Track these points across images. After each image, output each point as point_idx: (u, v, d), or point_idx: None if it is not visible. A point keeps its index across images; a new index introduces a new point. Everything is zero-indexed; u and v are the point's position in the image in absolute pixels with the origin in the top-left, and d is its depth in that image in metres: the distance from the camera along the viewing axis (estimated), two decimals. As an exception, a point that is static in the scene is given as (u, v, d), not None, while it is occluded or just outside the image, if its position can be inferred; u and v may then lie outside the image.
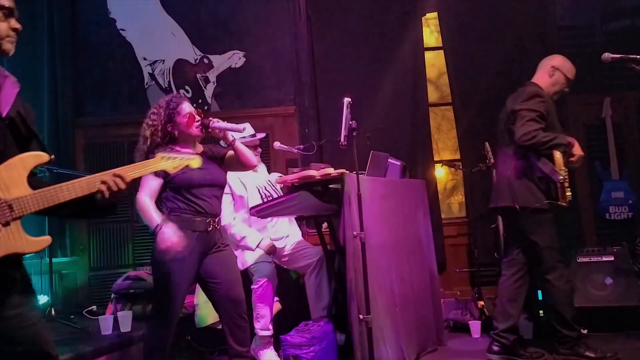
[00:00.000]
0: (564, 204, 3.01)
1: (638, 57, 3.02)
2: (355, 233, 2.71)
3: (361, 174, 2.91)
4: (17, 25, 1.67)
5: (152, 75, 5.00)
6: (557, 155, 3.04)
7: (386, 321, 2.98)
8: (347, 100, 2.78)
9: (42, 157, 1.62)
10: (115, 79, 5.00)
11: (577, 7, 5.18)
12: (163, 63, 5.00)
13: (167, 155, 1.98)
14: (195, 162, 2.13)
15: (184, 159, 2.01)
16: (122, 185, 1.70)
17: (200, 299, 3.67)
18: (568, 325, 3.19)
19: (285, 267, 3.79)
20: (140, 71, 5.01)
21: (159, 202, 2.72)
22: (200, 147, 2.81)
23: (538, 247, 3.19)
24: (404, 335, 3.18)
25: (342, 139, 2.76)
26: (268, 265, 3.53)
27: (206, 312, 3.65)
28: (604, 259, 4.02)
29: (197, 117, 2.72)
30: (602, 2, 5.12)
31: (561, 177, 2.99)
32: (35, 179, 1.66)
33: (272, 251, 3.49)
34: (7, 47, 1.65)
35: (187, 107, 2.75)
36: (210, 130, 2.70)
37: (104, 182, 1.67)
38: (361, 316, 2.69)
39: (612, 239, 4.37)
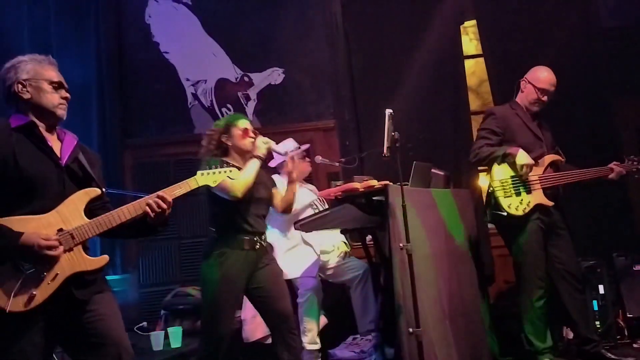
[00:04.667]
0: (504, 213, 3.18)
1: None
2: (401, 245, 2.68)
3: (405, 185, 2.89)
4: (67, 95, 2.03)
5: (195, 95, 5.12)
6: (494, 167, 3.25)
7: (436, 334, 2.92)
8: (388, 111, 2.78)
9: (93, 192, 1.98)
10: (160, 100, 5.16)
11: (623, 7, 5.02)
12: (205, 83, 5.12)
13: (207, 171, 2.17)
14: (234, 173, 2.24)
15: (222, 172, 2.14)
16: (164, 206, 1.97)
17: (247, 313, 3.69)
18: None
19: (330, 280, 3.79)
20: (183, 92, 5.14)
21: (212, 217, 2.78)
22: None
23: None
24: (454, 348, 3.10)
25: (384, 151, 2.75)
26: (313, 279, 3.54)
27: (254, 327, 3.67)
28: (661, 267, 3.86)
29: (252, 133, 2.83)
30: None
31: (491, 189, 3.22)
32: (102, 212, 1.98)
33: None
34: (60, 113, 2.01)
35: (244, 123, 2.87)
36: (257, 147, 2.79)
37: (148, 205, 1.96)
38: (410, 329, 2.64)
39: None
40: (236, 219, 2.72)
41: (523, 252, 3.26)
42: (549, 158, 3.33)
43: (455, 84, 4.93)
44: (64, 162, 1.97)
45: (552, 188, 3.31)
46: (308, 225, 3.17)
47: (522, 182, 3.24)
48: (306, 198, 3.71)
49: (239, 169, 2.68)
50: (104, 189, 2.02)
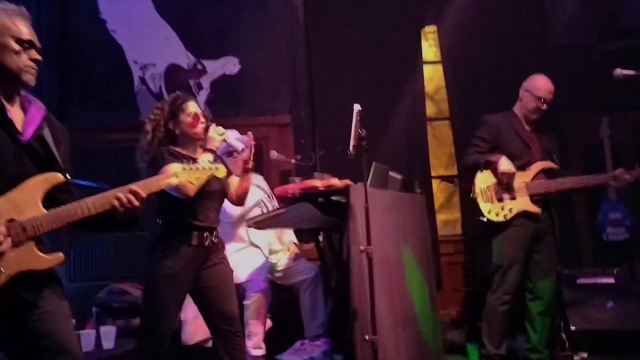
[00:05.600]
0: (484, 219, 3.27)
1: None
2: (362, 248, 2.57)
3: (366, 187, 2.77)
4: (38, 57, 1.75)
5: (142, 80, 4.82)
6: (477, 174, 3.32)
7: (390, 342, 2.83)
8: (357, 107, 2.65)
9: (54, 178, 1.71)
10: (104, 81, 4.81)
11: (575, 26, 5.17)
12: (155, 67, 4.83)
13: (188, 166, 1.94)
14: (221, 171, 2.05)
15: (207, 169, 1.96)
16: (136, 202, 1.73)
17: (188, 314, 3.47)
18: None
19: (279, 282, 3.64)
20: (130, 75, 4.82)
21: (159, 210, 2.55)
22: (200, 152, 2.63)
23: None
24: (405, 356, 3.03)
25: (350, 148, 2.62)
26: (262, 281, 3.38)
27: (194, 329, 3.45)
28: (604, 281, 3.95)
29: (202, 119, 2.59)
30: (599, 22, 5.11)
31: (472, 194, 3.30)
32: (65, 196, 1.75)
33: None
34: (28, 77, 1.73)
35: (193, 106, 2.60)
36: (212, 138, 2.55)
37: (118, 199, 1.72)
38: (367, 336, 2.53)
39: (610, 260, 4.30)
40: (186, 213, 2.50)
41: (499, 256, 3.31)
42: (538, 165, 3.37)
43: (414, 88, 4.91)
44: (26, 138, 1.71)
45: (543, 195, 3.36)
46: (262, 223, 3.03)
47: (506, 189, 3.28)
48: (253, 195, 3.54)
49: (194, 159, 2.45)
50: (68, 175, 1.75)
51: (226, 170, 2.16)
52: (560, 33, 5.11)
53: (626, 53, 4.91)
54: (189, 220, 2.51)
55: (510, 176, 3.26)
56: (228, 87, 4.85)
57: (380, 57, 4.89)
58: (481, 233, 4.40)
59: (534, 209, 3.31)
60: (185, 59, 4.86)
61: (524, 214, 3.30)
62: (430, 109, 5.27)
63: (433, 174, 5.10)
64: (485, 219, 3.26)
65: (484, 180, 3.31)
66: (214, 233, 2.60)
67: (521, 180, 3.32)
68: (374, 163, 3.31)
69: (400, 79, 4.87)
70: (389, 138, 4.74)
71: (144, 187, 1.77)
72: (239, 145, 2.69)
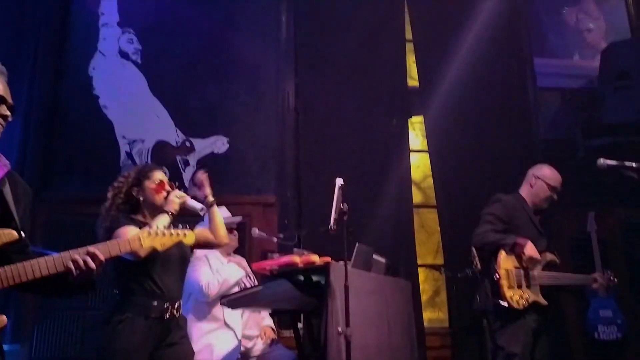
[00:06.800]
0: (504, 304, 3.04)
1: (634, 164, 3.03)
2: (340, 329, 2.40)
3: (347, 265, 2.66)
4: (6, 112, 1.73)
5: (129, 155, 4.80)
6: (501, 255, 3.12)
7: None
8: (339, 181, 2.61)
9: (7, 235, 1.62)
10: (90, 154, 4.76)
11: (559, 122, 5.32)
12: (143, 143, 4.83)
13: (155, 230, 1.89)
14: (189, 237, 1.97)
15: (174, 235, 1.88)
16: (93, 265, 1.65)
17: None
18: None
19: (253, 370, 3.40)
20: (117, 149, 4.80)
21: (116, 278, 2.40)
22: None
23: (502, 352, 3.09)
24: None
25: (331, 223, 2.54)
26: (234, 365, 3.15)
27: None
28: (598, 381, 3.74)
29: (168, 187, 2.52)
30: (583, 119, 5.25)
31: (497, 276, 3.07)
32: (20, 257, 1.65)
33: None
34: None
35: (159, 175, 2.56)
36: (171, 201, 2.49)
37: (74, 261, 1.64)
38: None
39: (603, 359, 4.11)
40: (143, 280, 2.36)
41: (515, 341, 3.07)
42: (548, 256, 3.28)
43: (401, 176, 4.92)
44: None
45: (546, 288, 3.23)
46: (236, 301, 2.85)
47: (524, 276, 3.15)
48: (235, 273, 3.41)
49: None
50: (22, 234, 1.68)
51: (194, 237, 2.07)
52: (544, 128, 5.24)
53: (610, 149, 5.01)
54: (149, 289, 2.36)
55: (535, 263, 3.16)
56: (215, 165, 4.82)
57: (367, 143, 4.95)
58: (470, 325, 4.25)
59: (543, 301, 3.18)
60: (174, 136, 4.87)
61: (534, 305, 3.15)
62: (417, 197, 5.26)
63: (420, 262, 4.99)
64: (505, 304, 3.04)
65: (508, 262, 3.13)
66: (176, 305, 2.44)
67: (536, 269, 3.22)
68: (357, 243, 3.22)
69: (387, 165, 4.90)
70: (375, 223, 4.68)
71: (103, 249, 1.69)
72: (198, 206, 2.61)
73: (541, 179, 3.36)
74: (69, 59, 4.97)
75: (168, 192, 2.51)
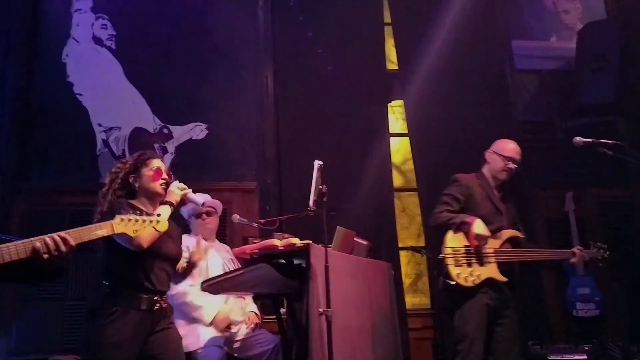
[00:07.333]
0: (452, 282, 3.06)
1: (609, 141, 3.08)
2: (321, 310, 2.41)
3: (329, 246, 2.66)
4: None
5: (105, 142, 4.72)
6: (448, 234, 3.16)
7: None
8: (317, 163, 2.60)
9: None
10: (65, 143, 4.67)
11: (537, 104, 5.36)
12: (119, 130, 4.75)
13: (127, 217, 1.88)
14: (162, 225, 1.94)
15: (147, 222, 1.84)
16: (63, 249, 1.65)
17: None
18: None
19: (236, 355, 3.39)
20: (93, 137, 4.72)
21: (108, 269, 2.38)
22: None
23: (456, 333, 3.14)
24: None
25: (310, 204, 2.53)
26: (218, 351, 3.14)
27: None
28: (576, 357, 3.82)
29: (165, 175, 2.50)
30: (560, 100, 5.30)
31: (441, 255, 3.10)
32: None
33: (225, 327, 3.15)
34: None
35: (157, 162, 2.54)
36: (171, 192, 2.46)
37: (45, 243, 1.64)
38: (325, 410, 2.31)
39: (581, 336, 4.18)
40: (137, 274, 2.34)
41: (465, 323, 3.09)
42: (507, 233, 3.26)
43: (381, 159, 4.92)
44: None
45: (508, 264, 3.23)
46: (216, 286, 2.83)
47: (475, 253, 3.13)
48: (215, 259, 3.40)
49: (148, 215, 2.32)
50: None
51: (167, 224, 2.05)
52: (522, 109, 5.28)
53: (587, 130, 5.06)
54: (140, 281, 2.34)
55: (484, 240, 3.14)
56: (194, 152, 4.78)
57: (347, 128, 4.93)
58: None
59: (501, 277, 3.19)
60: (151, 123, 4.80)
61: (489, 282, 3.14)
62: (398, 180, 5.28)
63: (402, 245, 5.02)
64: (453, 283, 3.06)
65: (455, 241, 3.15)
66: (164, 297, 2.44)
67: (490, 246, 3.20)
68: (338, 227, 3.22)
69: (367, 149, 4.89)
70: (356, 207, 4.68)
71: (74, 234, 1.68)
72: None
73: (496, 153, 3.38)
74: (42, 46, 4.87)
75: (166, 181, 2.49)
